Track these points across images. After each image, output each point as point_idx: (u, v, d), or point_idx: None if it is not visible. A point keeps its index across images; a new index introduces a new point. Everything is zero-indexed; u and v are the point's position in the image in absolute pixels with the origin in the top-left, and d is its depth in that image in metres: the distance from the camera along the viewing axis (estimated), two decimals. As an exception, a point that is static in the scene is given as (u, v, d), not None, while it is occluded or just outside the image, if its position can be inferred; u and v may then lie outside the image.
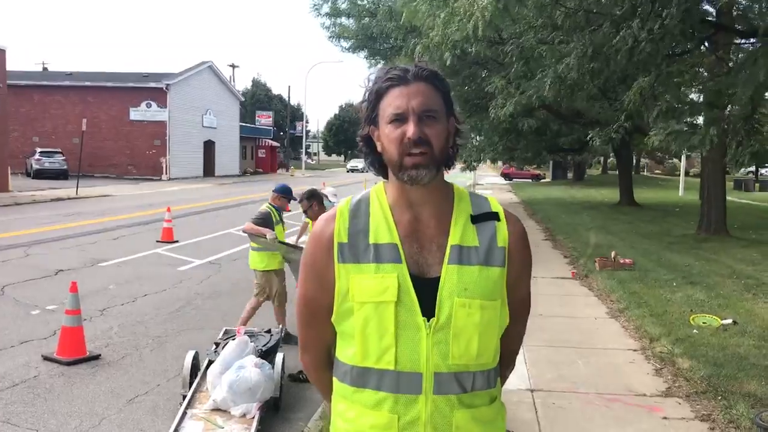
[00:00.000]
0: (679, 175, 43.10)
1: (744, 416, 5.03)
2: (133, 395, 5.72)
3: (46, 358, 6.48)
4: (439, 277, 1.67)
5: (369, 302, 1.66)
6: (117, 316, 8.20)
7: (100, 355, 6.66)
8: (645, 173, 71.60)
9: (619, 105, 15.71)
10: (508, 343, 1.82)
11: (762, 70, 5.65)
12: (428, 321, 1.64)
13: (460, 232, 1.71)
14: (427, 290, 1.66)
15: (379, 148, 1.75)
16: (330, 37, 20.96)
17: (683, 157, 37.59)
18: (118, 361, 6.58)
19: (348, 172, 68.18)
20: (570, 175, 57.85)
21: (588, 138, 9.47)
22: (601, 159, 76.12)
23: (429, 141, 1.65)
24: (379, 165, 1.79)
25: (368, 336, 1.67)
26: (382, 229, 1.71)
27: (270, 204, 7.90)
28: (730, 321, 7.67)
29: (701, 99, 8.36)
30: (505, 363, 1.87)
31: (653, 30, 6.25)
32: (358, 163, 66.52)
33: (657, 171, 76.49)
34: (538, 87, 8.65)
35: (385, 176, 1.80)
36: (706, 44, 8.47)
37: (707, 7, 9.29)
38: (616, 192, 29.27)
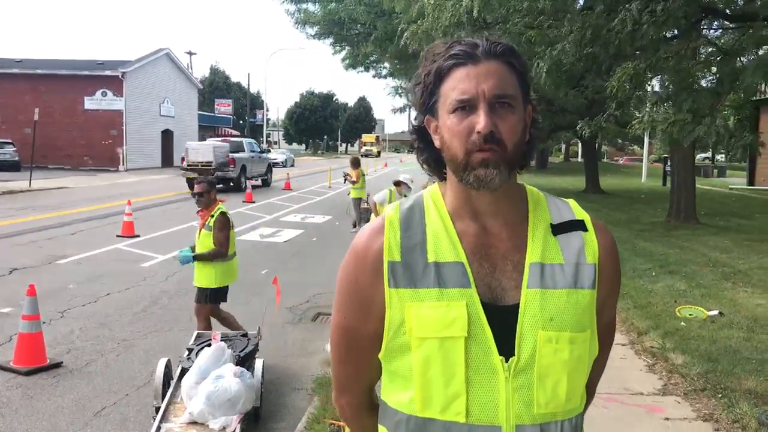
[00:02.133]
0: (639, 162, 43.62)
1: (748, 415, 4.83)
2: (99, 407, 5.29)
3: (1, 368, 5.99)
4: (517, 305, 1.32)
5: (431, 338, 1.31)
6: (78, 318, 7.71)
7: (61, 362, 6.19)
8: (605, 160, 72.46)
9: (593, 94, 15.66)
10: (590, 377, 1.47)
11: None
12: (506, 361, 1.31)
13: (540, 246, 1.37)
14: (501, 322, 1.31)
15: (436, 143, 1.39)
16: (295, 23, 20.42)
17: (645, 145, 38.00)
18: (81, 369, 6.12)
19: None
20: (533, 163, 58.25)
21: (578, 127, 9.24)
22: (563, 146, 76.91)
23: (501, 138, 1.30)
24: (436, 163, 1.44)
25: (431, 380, 1.32)
26: (444, 243, 1.36)
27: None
28: (716, 312, 7.53)
29: (706, 86, 8.21)
30: (587, 399, 1.52)
31: (656, 12, 5.99)
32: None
33: (617, 158, 77.49)
34: (533, 75, 8.36)
35: (441, 176, 1.45)
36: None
37: None
38: (581, 179, 29.40)
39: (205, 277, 6.29)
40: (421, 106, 1.40)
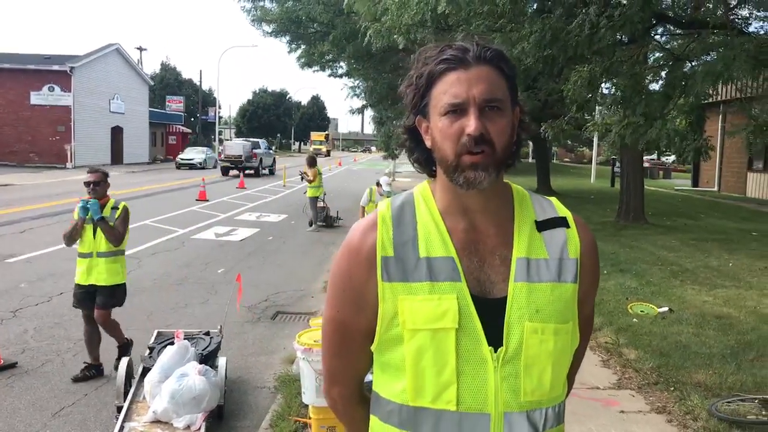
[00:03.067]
0: (587, 163, 44.48)
1: (699, 407, 5.03)
2: (58, 407, 5.20)
3: (-46, 369, 5.85)
4: (505, 298, 1.39)
5: (424, 329, 1.37)
6: (32, 318, 7.55)
7: (16, 363, 6.07)
8: (555, 161, 73.63)
9: (546, 96, 15.93)
10: (570, 367, 1.55)
11: (719, 63, 5.67)
12: (495, 351, 1.37)
13: (525, 242, 1.44)
14: (490, 314, 1.38)
15: (427, 143, 1.45)
16: (252, 20, 20.24)
17: (594, 146, 38.81)
18: (37, 369, 6.00)
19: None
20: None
21: (542, 129, 9.40)
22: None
23: (491, 139, 1.36)
24: (426, 161, 1.50)
25: (423, 370, 1.38)
26: (434, 239, 1.42)
27: None
28: (666, 309, 7.78)
29: (657, 89, 8.46)
30: (567, 389, 1.60)
31: (613, 17, 6.18)
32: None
33: (566, 159, 78.84)
34: None
35: (431, 174, 1.51)
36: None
37: None
38: (532, 180, 29.83)
39: (118, 272, 6.02)
40: (412, 107, 1.46)
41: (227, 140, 44.02)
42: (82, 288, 5.92)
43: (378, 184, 12.33)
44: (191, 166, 42.17)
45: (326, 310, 1.54)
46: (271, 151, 40.92)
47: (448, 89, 1.37)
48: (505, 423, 1.37)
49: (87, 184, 5.95)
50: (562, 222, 1.49)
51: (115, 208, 5.98)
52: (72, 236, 5.88)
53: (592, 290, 1.55)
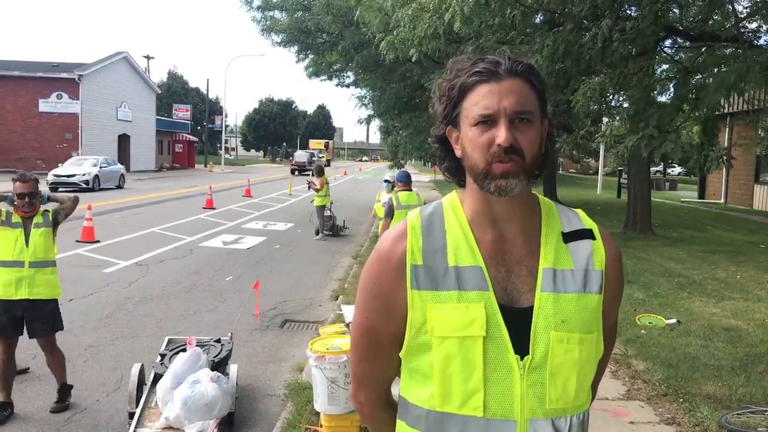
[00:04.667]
0: (593, 174, 44.45)
1: (709, 418, 5.03)
2: (70, 413, 5.24)
3: (-34, 374, 5.86)
4: (532, 307, 1.42)
5: (452, 337, 1.40)
6: (42, 324, 7.57)
7: (28, 368, 6.12)
8: (561, 171, 73.64)
9: (554, 107, 15.97)
10: (594, 376, 1.58)
11: (732, 75, 5.70)
12: (521, 359, 1.40)
13: (552, 252, 1.47)
14: (517, 323, 1.41)
15: (457, 153, 1.49)
16: (262, 30, 20.35)
17: (601, 157, 38.80)
18: (49, 375, 5.99)
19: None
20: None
21: (557, 146, 9.40)
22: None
23: (521, 149, 1.40)
24: (456, 171, 1.54)
25: (450, 376, 1.41)
26: (463, 248, 1.45)
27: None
28: (674, 321, 7.78)
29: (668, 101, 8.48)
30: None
31: (626, 30, 6.21)
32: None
33: (572, 170, 78.83)
34: None
35: (460, 183, 1.55)
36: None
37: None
38: (538, 190, 29.69)
39: (55, 284, 5.32)
40: (444, 117, 1.50)
41: (297, 151, 63.30)
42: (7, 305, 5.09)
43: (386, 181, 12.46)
44: (70, 186, 26.20)
45: (355, 316, 1.58)
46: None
47: (479, 101, 1.42)
48: (530, 430, 1.40)
49: (21, 196, 5.10)
50: (588, 234, 1.52)
51: (47, 211, 5.31)
52: None
53: (616, 301, 1.58)
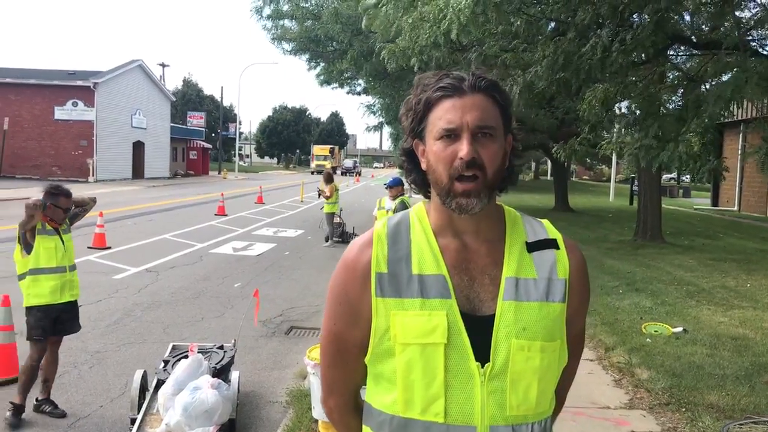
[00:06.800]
0: (606, 181, 44.25)
1: (711, 428, 5.01)
2: (74, 419, 5.29)
3: (-26, 379, 5.95)
4: (493, 315, 1.45)
5: (414, 344, 1.43)
6: (50, 330, 7.65)
7: (34, 374, 6.16)
8: (574, 179, 73.41)
9: (563, 115, 15.98)
10: (560, 384, 1.60)
11: (729, 87, 5.69)
12: (482, 366, 1.43)
13: (515, 262, 1.50)
14: (479, 330, 1.44)
15: (423, 166, 1.53)
16: (272, 39, 20.52)
17: (613, 165, 38.65)
18: (55, 380, 6.07)
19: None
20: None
21: (553, 151, 9.43)
22: (533, 165, 77.73)
23: (482, 164, 1.43)
24: (422, 183, 1.57)
25: (412, 382, 1.44)
26: (427, 257, 1.48)
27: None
28: (680, 329, 7.74)
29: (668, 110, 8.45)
30: (557, 406, 1.66)
31: (625, 40, 6.22)
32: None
33: (585, 177, 78.51)
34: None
35: (427, 195, 1.58)
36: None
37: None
38: (550, 197, 29.81)
39: (25, 293, 5.30)
40: (410, 131, 1.54)
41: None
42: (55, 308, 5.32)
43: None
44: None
45: (324, 323, 1.62)
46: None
47: (443, 115, 1.45)
48: None
49: (67, 210, 5.36)
50: (552, 243, 1.55)
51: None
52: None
53: (581, 310, 1.60)
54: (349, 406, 1.67)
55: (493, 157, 1.45)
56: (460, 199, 1.44)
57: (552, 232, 1.58)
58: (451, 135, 1.44)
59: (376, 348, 1.50)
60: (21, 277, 5.29)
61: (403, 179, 12.40)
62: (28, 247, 5.26)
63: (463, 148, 1.42)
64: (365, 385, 1.62)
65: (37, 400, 5.41)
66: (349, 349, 1.56)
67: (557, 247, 1.55)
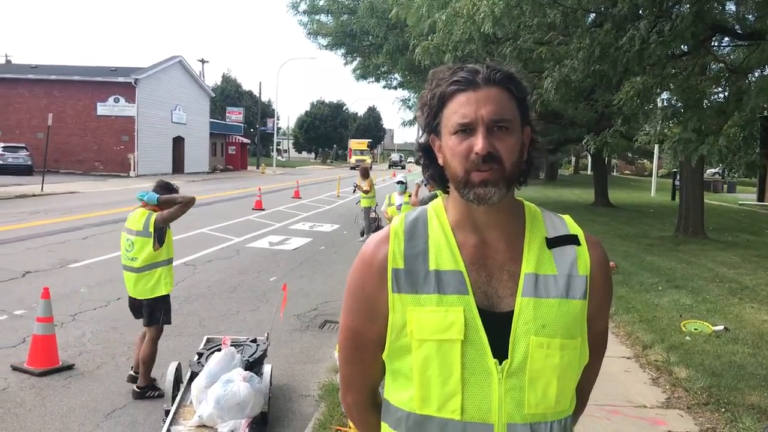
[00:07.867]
0: (648, 176, 43.49)
1: (751, 429, 4.88)
2: (110, 409, 5.38)
3: (15, 369, 6.11)
4: (512, 312, 1.42)
5: (430, 340, 1.41)
6: (89, 322, 7.82)
7: (73, 364, 6.30)
8: (615, 173, 72.34)
9: (603, 108, 15.71)
10: (581, 384, 1.57)
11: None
12: (500, 363, 1.40)
13: (534, 258, 1.46)
14: (497, 327, 1.41)
15: (440, 161, 1.50)
16: (308, 34, 20.61)
17: (655, 159, 37.96)
18: (92, 372, 6.22)
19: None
20: (542, 175, 58.23)
21: (584, 142, 9.28)
22: (573, 159, 76.78)
23: (499, 157, 1.40)
24: (440, 178, 1.54)
25: (429, 379, 1.42)
26: (444, 253, 1.46)
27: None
28: (722, 327, 7.56)
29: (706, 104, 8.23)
30: (578, 406, 1.61)
31: (663, 31, 6.05)
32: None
33: (627, 171, 77.32)
34: (541, 91, 8.31)
35: (445, 190, 1.55)
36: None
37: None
38: (590, 192, 29.39)
39: (163, 282, 5.78)
40: (426, 126, 1.51)
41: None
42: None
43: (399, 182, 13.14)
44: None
45: (342, 319, 1.60)
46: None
47: (458, 109, 1.42)
48: None
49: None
50: (572, 239, 1.51)
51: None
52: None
53: (603, 308, 1.56)
54: (368, 403, 1.65)
55: (510, 150, 1.42)
56: (478, 188, 1.41)
57: (573, 227, 1.54)
58: (466, 129, 1.41)
59: (392, 344, 1.48)
60: (148, 267, 5.68)
61: (402, 178, 12.80)
62: (161, 240, 5.66)
63: (479, 143, 1.39)
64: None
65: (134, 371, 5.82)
66: (367, 345, 1.54)
67: (578, 243, 1.51)
